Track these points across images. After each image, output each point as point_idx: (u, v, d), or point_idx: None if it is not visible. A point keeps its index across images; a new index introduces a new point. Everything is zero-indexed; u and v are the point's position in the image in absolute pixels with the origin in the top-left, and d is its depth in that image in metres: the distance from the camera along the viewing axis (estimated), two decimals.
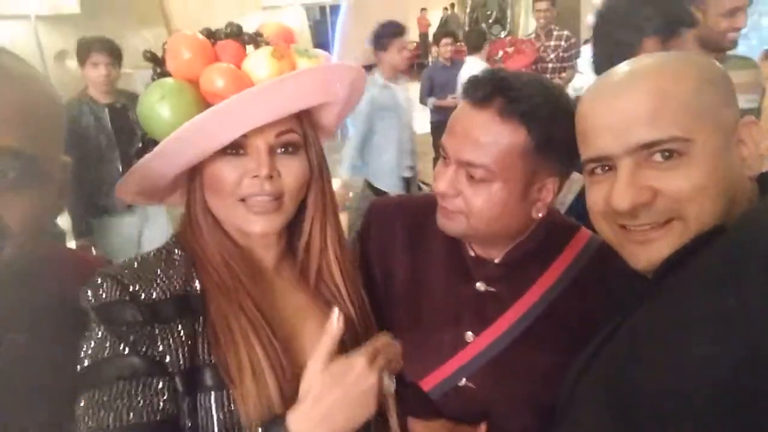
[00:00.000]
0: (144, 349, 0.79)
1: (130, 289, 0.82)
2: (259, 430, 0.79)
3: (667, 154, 0.73)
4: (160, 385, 0.79)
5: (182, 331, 0.83)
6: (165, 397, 0.79)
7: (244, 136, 0.84)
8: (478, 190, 0.97)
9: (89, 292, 0.81)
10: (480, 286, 1.09)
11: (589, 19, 6.91)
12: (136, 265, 0.87)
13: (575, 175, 2.47)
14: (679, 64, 0.78)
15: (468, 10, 16.39)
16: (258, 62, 0.85)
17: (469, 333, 1.07)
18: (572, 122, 0.88)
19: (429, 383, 1.07)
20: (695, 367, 0.64)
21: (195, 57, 0.83)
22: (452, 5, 17.25)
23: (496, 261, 1.09)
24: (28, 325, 0.80)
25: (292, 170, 0.89)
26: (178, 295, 0.85)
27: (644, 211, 0.75)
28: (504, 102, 0.94)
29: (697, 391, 0.64)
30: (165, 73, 0.87)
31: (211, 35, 0.88)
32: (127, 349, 0.78)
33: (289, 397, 0.84)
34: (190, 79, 0.84)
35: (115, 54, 3.38)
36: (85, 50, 3.34)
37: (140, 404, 0.76)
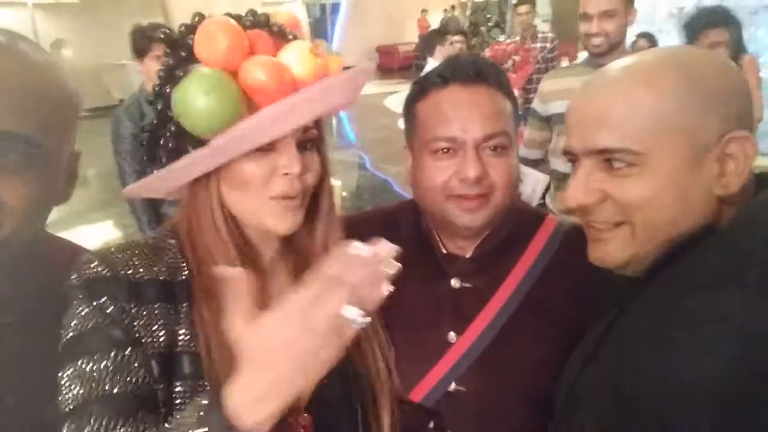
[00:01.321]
0: (125, 324, 0.79)
1: (115, 267, 0.81)
2: (195, 415, 0.65)
3: (619, 163, 0.74)
4: (141, 359, 0.79)
5: (161, 315, 0.82)
6: (144, 370, 0.78)
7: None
8: (501, 162, 0.99)
9: (75, 271, 0.81)
10: (455, 282, 1.07)
11: None
12: (124, 247, 0.86)
13: (539, 174, 2.51)
14: (659, 69, 0.75)
15: (468, 13, 16.46)
16: (296, 57, 0.81)
17: (452, 333, 1.04)
18: None
19: (419, 393, 1.05)
20: (693, 369, 0.64)
21: (234, 46, 0.79)
22: (453, 7, 17.30)
23: (468, 255, 1.08)
24: (16, 309, 0.80)
25: (313, 167, 0.87)
26: (162, 279, 0.84)
27: (594, 210, 0.76)
28: (489, 76, 1.02)
29: (695, 392, 0.63)
30: (190, 60, 0.81)
31: (238, 22, 0.82)
32: (108, 321, 0.78)
33: None
34: (226, 69, 0.79)
35: (174, 44, 3.02)
36: (145, 42, 2.91)
37: (122, 375, 0.76)
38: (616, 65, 0.79)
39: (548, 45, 5.49)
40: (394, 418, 0.97)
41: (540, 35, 5.57)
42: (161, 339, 0.80)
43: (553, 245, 1.08)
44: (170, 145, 0.84)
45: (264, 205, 0.83)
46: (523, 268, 1.06)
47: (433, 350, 1.05)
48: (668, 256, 0.72)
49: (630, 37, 5.79)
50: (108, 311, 0.78)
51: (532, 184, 2.34)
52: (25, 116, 0.71)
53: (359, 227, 0.98)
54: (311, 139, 0.86)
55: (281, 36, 0.83)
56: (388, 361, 0.98)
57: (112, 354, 0.77)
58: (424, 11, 16.34)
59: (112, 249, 0.84)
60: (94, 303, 0.78)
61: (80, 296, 0.79)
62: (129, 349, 0.78)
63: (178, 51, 0.82)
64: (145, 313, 0.80)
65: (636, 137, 0.71)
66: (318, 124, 0.89)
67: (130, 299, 0.79)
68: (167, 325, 0.81)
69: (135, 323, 0.79)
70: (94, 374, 0.75)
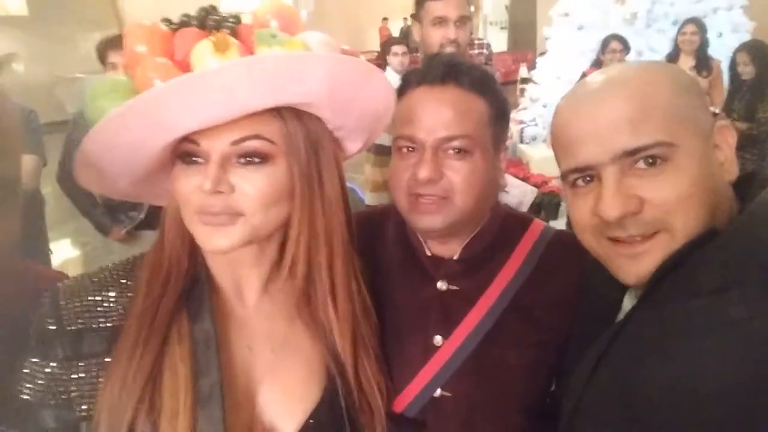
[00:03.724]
0: (58, 400, 0.75)
1: (61, 319, 0.76)
2: None
3: (650, 160, 0.72)
4: None
5: (100, 372, 0.75)
6: None
7: (195, 142, 0.73)
8: (461, 164, 0.96)
9: (36, 311, 0.77)
10: (441, 285, 1.06)
11: (545, 31, 7.13)
12: (89, 281, 0.80)
13: (527, 186, 2.50)
14: (654, 71, 0.78)
15: None
16: (197, 55, 0.72)
17: (438, 337, 1.03)
18: (504, 94, 1.00)
19: (404, 400, 1.03)
20: (700, 376, 0.64)
21: (148, 50, 0.74)
22: (413, 16, 17.35)
23: (455, 257, 1.07)
24: None
25: (253, 185, 0.74)
26: (112, 327, 0.77)
27: (632, 221, 0.72)
28: (461, 78, 0.99)
29: (702, 399, 0.63)
30: None
31: (184, 25, 0.76)
32: (41, 399, 0.75)
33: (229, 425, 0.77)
34: (131, 72, 0.75)
35: None
36: (101, 51, 2.86)
37: None
38: (607, 72, 0.79)
39: (484, 51, 5.75)
40: None
41: (476, 42, 5.80)
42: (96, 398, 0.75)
43: (540, 249, 1.07)
44: None
45: (191, 218, 0.76)
46: (510, 271, 1.05)
47: (419, 355, 1.04)
48: (670, 261, 0.71)
49: (585, 41, 5.93)
50: (47, 372, 0.75)
51: (519, 196, 2.32)
52: None
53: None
54: (253, 153, 0.74)
55: (216, 29, 0.75)
56: (382, 387, 0.94)
57: None
58: (385, 19, 16.40)
59: (67, 291, 0.78)
60: (40, 361, 0.76)
61: (33, 345, 0.76)
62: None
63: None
64: (83, 371, 0.75)
65: (664, 129, 0.70)
66: (292, 135, 0.77)
67: (72, 357, 0.75)
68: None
69: (72, 387, 0.75)
70: None
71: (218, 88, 0.68)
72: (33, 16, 11.28)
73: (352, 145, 0.93)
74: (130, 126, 0.70)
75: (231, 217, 0.74)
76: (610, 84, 0.76)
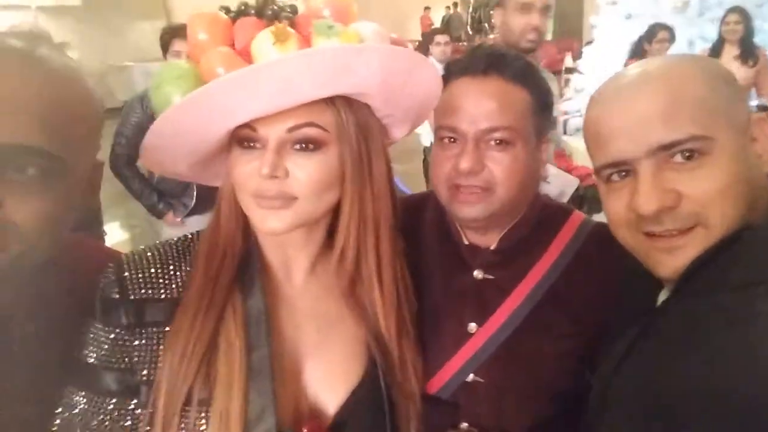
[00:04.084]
0: (120, 365, 0.80)
1: (125, 288, 0.80)
2: None
3: (687, 154, 0.70)
4: (121, 412, 0.79)
5: (161, 340, 0.79)
6: (119, 425, 0.79)
7: (253, 128, 0.76)
8: (503, 156, 0.97)
9: (100, 283, 0.82)
10: (478, 274, 1.07)
11: (591, 19, 6.94)
12: (150, 255, 0.84)
13: (569, 177, 2.43)
14: (688, 64, 0.77)
15: (470, 9, 16.39)
16: (258, 45, 0.75)
17: (473, 324, 1.04)
18: (548, 84, 1.00)
19: (437, 383, 1.05)
20: (729, 370, 0.63)
21: (207, 38, 0.76)
22: (455, 4, 17.23)
23: (492, 247, 1.07)
24: (40, 317, 0.79)
25: (306, 171, 0.77)
26: (172, 299, 0.81)
27: (669, 215, 0.72)
28: (503, 69, 0.99)
29: (731, 394, 0.62)
30: None
31: (242, 13, 0.78)
32: (107, 359, 0.79)
33: (281, 405, 0.80)
34: (196, 60, 0.78)
35: None
36: (167, 39, 2.96)
37: (100, 422, 0.78)
38: (641, 66, 0.79)
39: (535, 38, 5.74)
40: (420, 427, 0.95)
41: None
42: (158, 366, 0.79)
43: (578, 242, 1.07)
44: None
45: (247, 201, 0.80)
46: (547, 262, 1.05)
47: (453, 340, 1.05)
48: (703, 257, 0.71)
49: (633, 30, 5.75)
50: (111, 338, 0.80)
51: (560, 186, 2.26)
52: (46, 128, 0.67)
53: None
54: (307, 139, 0.77)
55: (275, 19, 0.77)
56: (419, 368, 0.97)
57: (96, 401, 0.79)
58: (426, 8, 16.29)
59: (131, 262, 0.82)
60: (105, 327, 0.80)
61: (97, 312, 0.81)
62: (115, 400, 0.79)
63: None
64: (144, 338, 0.79)
65: (700, 123, 0.70)
66: (344, 123, 0.80)
67: (135, 325, 0.79)
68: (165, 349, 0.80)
69: (131, 354, 0.79)
70: (75, 412, 0.78)
71: (279, 79, 0.72)
72: (85, 5, 11.66)
73: (398, 132, 0.96)
74: (199, 112, 0.74)
75: (285, 201, 0.77)
76: (643, 78, 0.76)
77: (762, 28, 4.77)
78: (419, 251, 1.09)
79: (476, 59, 1.01)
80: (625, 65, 3.94)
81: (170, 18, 12.08)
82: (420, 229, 1.15)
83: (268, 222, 0.78)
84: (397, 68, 0.80)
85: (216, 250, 0.84)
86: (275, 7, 0.78)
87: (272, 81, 0.72)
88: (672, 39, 4.72)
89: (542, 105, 1.03)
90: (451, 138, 1.00)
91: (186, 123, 0.76)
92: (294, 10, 0.80)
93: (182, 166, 0.87)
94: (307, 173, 0.77)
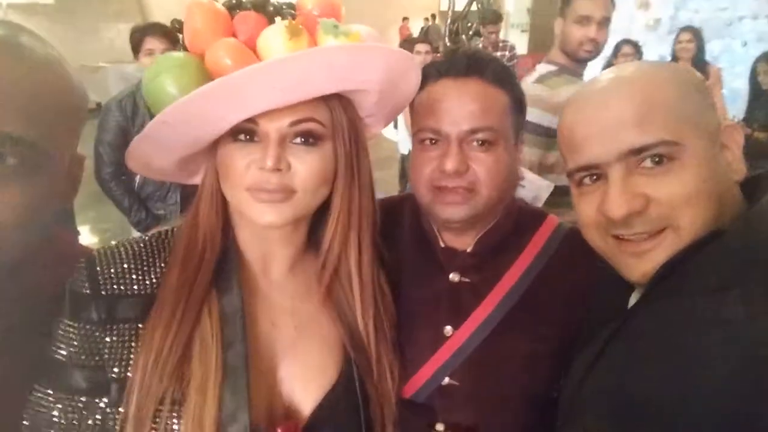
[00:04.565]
0: (90, 362, 0.78)
1: (96, 284, 0.78)
2: None
3: (657, 159, 0.71)
4: (91, 410, 0.78)
5: (133, 336, 0.78)
6: (87, 423, 0.77)
7: (254, 122, 0.76)
8: (486, 156, 0.98)
9: (70, 277, 0.80)
10: (454, 277, 1.07)
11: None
12: (123, 251, 0.82)
13: (543, 181, 2.47)
14: (661, 71, 0.79)
15: (449, 21, 16.53)
16: (269, 40, 0.75)
17: (448, 327, 1.05)
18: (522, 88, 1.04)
19: (413, 386, 1.05)
20: (698, 373, 0.64)
21: (207, 28, 0.75)
22: (433, 16, 17.35)
23: (468, 250, 1.08)
24: (16, 312, 0.77)
25: (306, 165, 0.78)
26: (144, 294, 0.80)
27: (638, 219, 0.73)
28: (483, 70, 1.00)
29: (700, 397, 0.63)
30: (186, 47, 0.80)
31: (237, 6, 0.78)
32: (77, 356, 0.78)
33: (255, 405, 0.79)
34: (198, 52, 0.76)
35: (172, 39, 2.69)
36: (138, 38, 2.90)
37: (69, 421, 0.77)
38: (615, 71, 0.80)
39: (507, 53, 6.46)
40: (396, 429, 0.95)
41: (500, 44, 6.55)
42: (129, 363, 0.77)
43: (553, 245, 1.09)
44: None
45: (241, 194, 0.79)
46: (522, 265, 1.07)
47: (429, 344, 1.05)
48: (673, 260, 0.72)
49: (612, 47, 5.89)
50: (82, 334, 0.78)
51: (535, 190, 2.30)
52: (28, 118, 0.66)
53: None
54: (308, 133, 0.79)
55: (280, 17, 0.78)
56: (395, 371, 0.97)
57: (66, 399, 0.77)
58: (405, 19, 16.40)
59: (104, 257, 0.80)
60: (74, 323, 0.78)
61: (66, 307, 0.79)
62: (84, 398, 0.78)
63: (172, 39, 0.80)
64: (115, 335, 0.78)
65: (670, 128, 0.71)
66: (338, 118, 0.82)
67: (106, 321, 0.77)
68: (137, 348, 0.78)
69: (102, 351, 0.77)
70: (43, 411, 0.77)
71: (297, 73, 0.73)
72: (58, 4, 11.45)
73: (373, 131, 0.97)
74: (216, 101, 0.73)
75: (285, 195, 0.78)
76: (616, 83, 0.77)
77: (730, 46, 4.91)
78: (396, 254, 1.10)
79: (457, 61, 1.02)
80: None
81: (146, 18, 11.92)
82: (397, 232, 1.15)
83: (266, 215, 0.78)
84: (398, 69, 0.84)
85: (194, 247, 0.83)
86: (275, 4, 0.79)
87: (293, 74, 0.73)
88: (638, 54, 4.85)
89: (518, 106, 1.05)
90: (433, 139, 1.00)
91: (200, 111, 0.74)
92: (291, 7, 0.81)
93: (173, 159, 0.85)
94: (307, 166, 0.79)
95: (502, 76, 1.02)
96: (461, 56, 1.02)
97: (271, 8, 0.79)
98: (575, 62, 2.40)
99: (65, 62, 0.76)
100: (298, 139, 0.78)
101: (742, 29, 5.95)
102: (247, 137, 0.78)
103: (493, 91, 1.00)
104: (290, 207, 0.79)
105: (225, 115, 0.75)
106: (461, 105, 0.98)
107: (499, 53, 6.30)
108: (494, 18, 6.65)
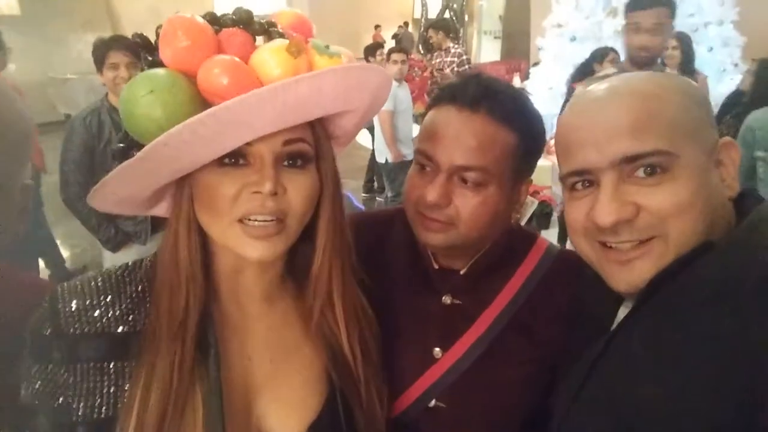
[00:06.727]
0: (54, 403, 0.74)
1: (58, 323, 0.74)
2: None
3: (650, 169, 0.71)
4: None
5: (104, 376, 0.74)
6: None
7: (248, 143, 0.71)
8: (472, 196, 0.93)
9: (33, 315, 0.76)
10: (446, 299, 1.06)
11: (538, 41, 7.17)
12: (87, 287, 0.77)
13: (528, 199, 2.51)
14: (663, 81, 0.78)
15: (421, 29, 16.65)
16: (270, 58, 0.71)
17: (437, 349, 1.03)
18: (542, 127, 0.98)
19: (399, 407, 1.03)
20: (691, 388, 0.64)
21: (194, 45, 0.70)
22: (406, 24, 17.48)
23: (462, 272, 1.06)
24: None
25: (299, 187, 0.75)
26: (114, 332, 0.75)
27: (626, 227, 0.72)
28: (493, 105, 0.94)
29: (693, 413, 0.63)
30: (156, 63, 0.73)
31: (215, 21, 0.74)
32: (42, 397, 0.74)
33: None
34: (186, 71, 0.71)
35: (135, 53, 2.70)
36: (101, 51, 2.84)
37: None
38: (616, 79, 0.80)
39: (456, 59, 6.94)
40: None
41: (452, 50, 7.05)
42: (98, 404, 0.74)
43: (543, 268, 1.07)
44: (125, 151, 0.73)
45: (232, 227, 0.73)
46: (512, 288, 1.05)
47: (417, 365, 1.04)
48: (664, 273, 0.71)
49: (577, 52, 5.98)
50: (44, 376, 0.74)
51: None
52: None
53: (357, 229, 0.95)
54: (299, 154, 0.75)
55: (265, 35, 0.75)
56: (382, 393, 0.94)
57: None
58: (377, 27, 16.46)
59: (66, 293, 0.76)
60: (37, 364, 0.75)
61: (29, 349, 0.76)
62: None
63: (147, 53, 0.74)
64: (79, 375, 0.74)
65: (666, 138, 0.70)
66: (320, 139, 0.80)
67: (68, 360, 0.74)
68: (110, 387, 0.74)
69: (65, 392, 0.74)
70: None
71: (307, 92, 0.70)
72: (25, 15, 11.22)
73: (338, 149, 0.93)
74: (221, 125, 0.67)
75: (278, 224, 0.74)
76: (617, 91, 0.77)
77: (696, 52, 5.00)
78: (384, 270, 1.07)
79: (468, 89, 0.96)
80: (572, 89, 4.04)
81: (115, 29, 11.75)
82: (386, 248, 1.13)
83: (258, 251, 0.74)
84: (382, 88, 0.82)
85: (179, 294, 0.76)
86: (261, 22, 0.76)
87: (303, 94, 0.70)
88: (619, 60, 4.90)
89: (528, 149, 0.99)
90: (425, 165, 0.97)
91: (207, 133, 0.68)
92: (273, 25, 0.77)
93: (154, 187, 0.77)
94: (299, 189, 0.75)
95: (512, 113, 0.95)
96: (474, 84, 0.96)
97: (258, 26, 0.75)
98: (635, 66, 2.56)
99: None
100: (286, 162, 0.75)
101: (708, 35, 6.10)
102: (233, 160, 0.72)
103: (498, 130, 0.94)
104: (282, 240, 0.75)
105: (232, 136, 0.69)
106: (459, 139, 0.93)
107: (448, 59, 6.91)
108: (442, 25, 7.46)
